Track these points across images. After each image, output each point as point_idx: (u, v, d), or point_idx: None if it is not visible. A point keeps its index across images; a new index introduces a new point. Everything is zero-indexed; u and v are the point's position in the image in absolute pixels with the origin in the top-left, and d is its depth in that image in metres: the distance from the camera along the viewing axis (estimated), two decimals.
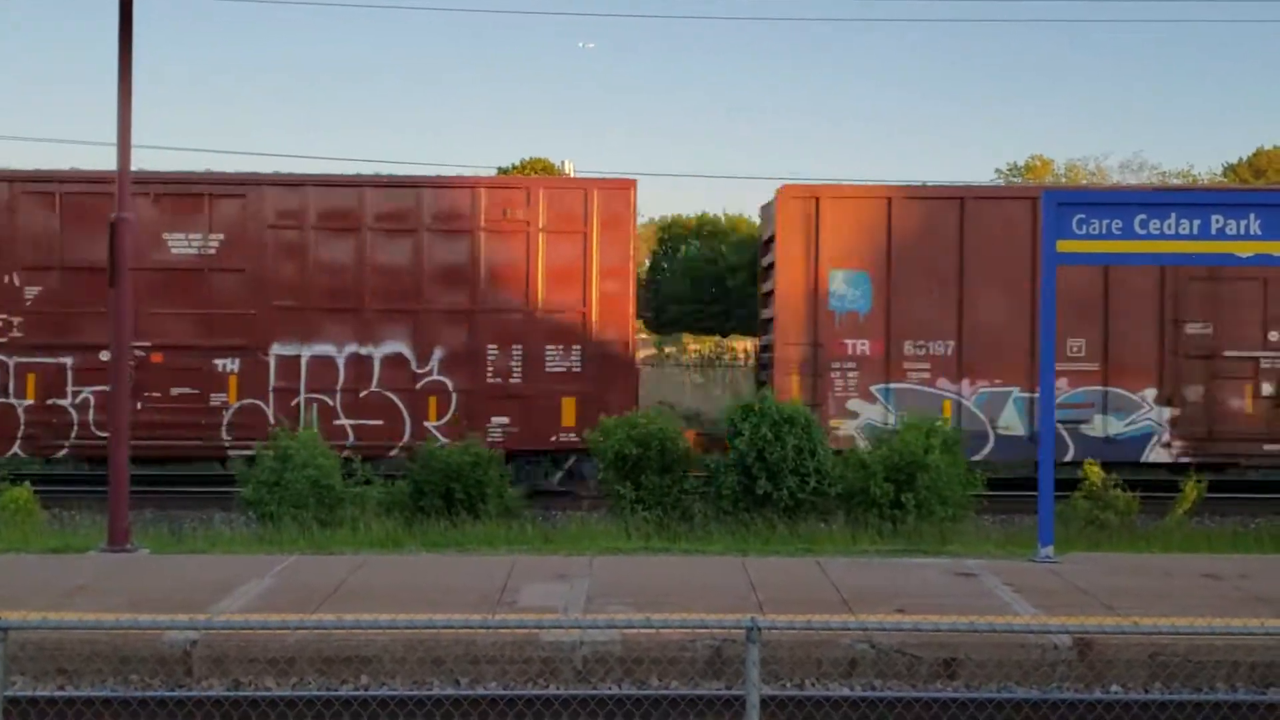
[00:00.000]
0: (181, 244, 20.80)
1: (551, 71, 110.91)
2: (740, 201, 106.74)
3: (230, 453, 20.50)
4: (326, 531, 15.63)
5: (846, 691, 9.66)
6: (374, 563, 13.10)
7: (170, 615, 10.21)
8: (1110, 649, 9.93)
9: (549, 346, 21.09)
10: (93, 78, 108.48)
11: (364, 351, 20.88)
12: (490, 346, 20.96)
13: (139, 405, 19.82)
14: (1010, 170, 70.26)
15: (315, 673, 9.78)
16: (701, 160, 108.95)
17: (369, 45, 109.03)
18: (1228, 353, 21.11)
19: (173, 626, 9.45)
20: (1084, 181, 58.67)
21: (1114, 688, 9.83)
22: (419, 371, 20.90)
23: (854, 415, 20.89)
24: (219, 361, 20.75)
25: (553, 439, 20.99)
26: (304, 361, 20.88)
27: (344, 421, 20.70)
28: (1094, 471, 17.74)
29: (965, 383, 21.05)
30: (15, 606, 10.41)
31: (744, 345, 38.47)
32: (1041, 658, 9.91)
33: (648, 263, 77.52)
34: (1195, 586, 12.19)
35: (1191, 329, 21.13)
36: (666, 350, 47.31)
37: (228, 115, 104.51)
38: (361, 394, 20.86)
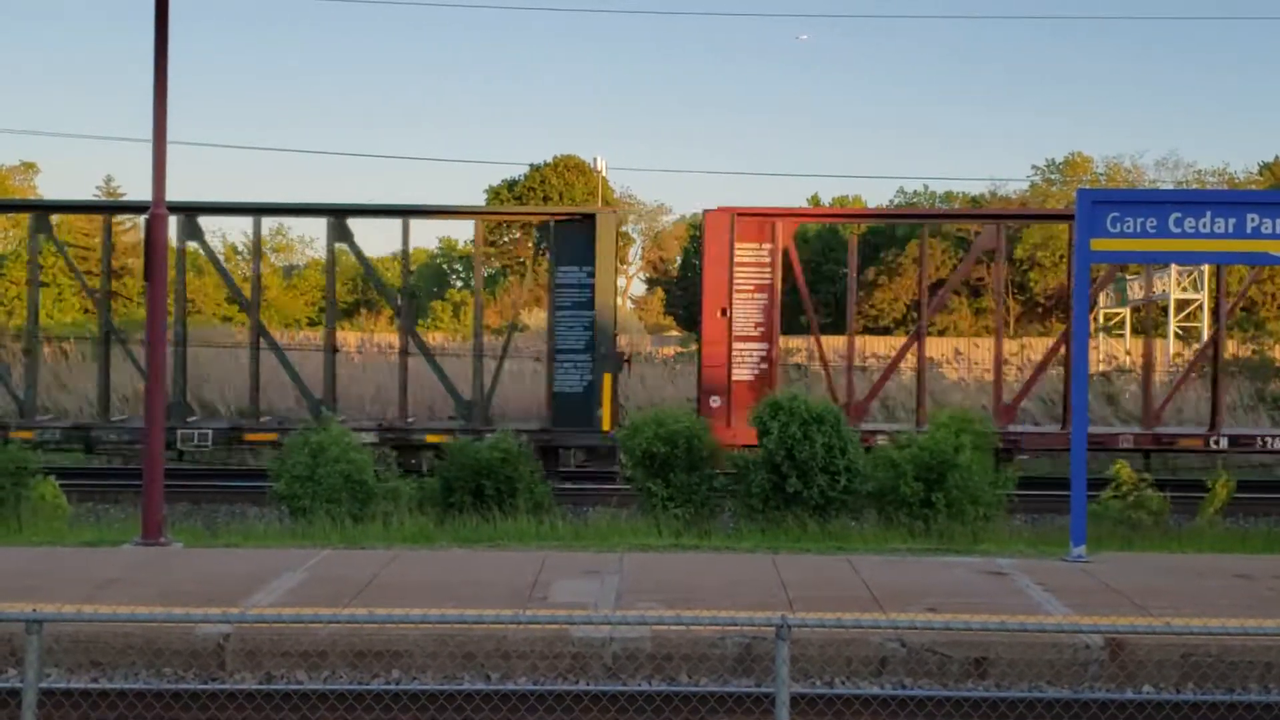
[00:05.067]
0: None
1: (586, 69, 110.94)
2: (774, 199, 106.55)
3: None
4: (359, 526, 15.70)
5: (876, 690, 9.65)
6: (406, 557, 13.15)
7: (203, 609, 10.26)
8: (1142, 649, 9.88)
9: None
10: (116, 74, 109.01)
11: None
12: None
13: None
14: (1048, 167, 70.01)
15: (347, 666, 9.83)
16: (732, 158, 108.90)
17: (400, 44, 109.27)
18: None
19: (206, 620, 9.53)
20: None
21: (1146, 688, 9.78)
22: None
23: None
24: None
25: None
26: None
27: None
28: (1125, 471, 17.62)
29: None
30: (50, 599, 10.50)
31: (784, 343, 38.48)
32: (1073, 657, 9.87)
33: (679, 260, 77.59)
34: (1228, 587, 12.13)
35: None
36: (695, 347, 47.29)
37: (256, 112, 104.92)
38: None
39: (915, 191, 73.59)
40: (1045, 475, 22.99)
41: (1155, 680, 9.85)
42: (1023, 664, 9.84)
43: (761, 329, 21.74)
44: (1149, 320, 26.52)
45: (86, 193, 62.76)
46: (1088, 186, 58.77)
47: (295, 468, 16.84)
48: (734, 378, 21.56)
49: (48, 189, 73.59)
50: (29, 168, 74.93)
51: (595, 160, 67.82)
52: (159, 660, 9.82)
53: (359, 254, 22.72)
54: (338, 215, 22.28)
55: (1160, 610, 10.82)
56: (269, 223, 70.69)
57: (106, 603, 10.57)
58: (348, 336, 39.22)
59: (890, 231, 61.80)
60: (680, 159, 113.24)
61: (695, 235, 70.41)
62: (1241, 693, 9.69)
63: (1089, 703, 9.35)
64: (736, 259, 21.61)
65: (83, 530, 15.83)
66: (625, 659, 9.83)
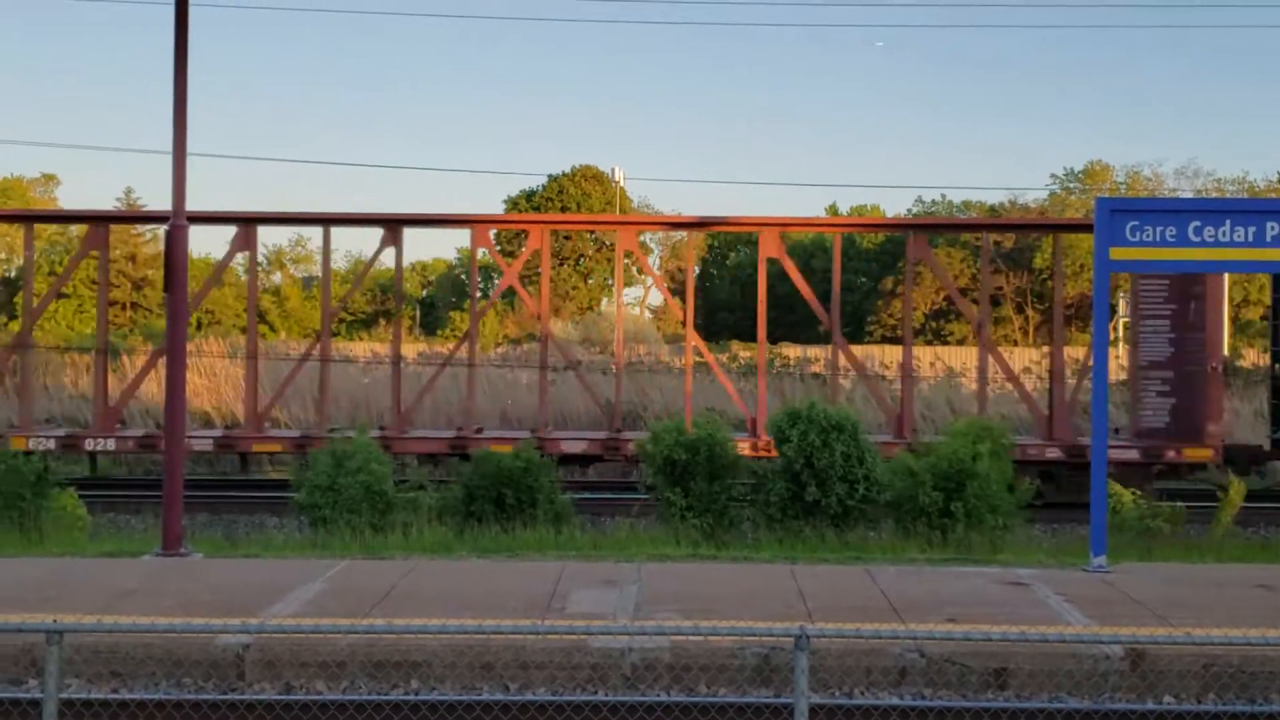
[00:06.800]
0: None
1: (604, 79, 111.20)
2: (789, 208, 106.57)
3: None
4: (378, 536, 15.73)
5: (896, 700, 9.63)
6: (425, 568, 13.17)
7: (223, 619, 10.30)
8: (1163, 659, 9.84)
9: None
10: (137, 85, 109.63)
11: None
12: None
13: None
14: (1067, 176, 69.87)
15: (366, 677, 9.84)
16: (751, 166, 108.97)
17: (417, 54, 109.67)
18: None
19: (225, 630, 9.56)
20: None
21: (1166, 699, 9.75)
22: None
23: None
24: None
25: None
26: None
27: None
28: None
29: None
30: (70, 610, 10.53)
31: (795, 352, 38.44)
32: (1093, 668, 9.84)
33: (697, 270, 77.64)
34: (1249, 597, 12.08)
35: None
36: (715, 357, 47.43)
37: (271, 124, 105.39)
38: None
39: (933, 201, 73.51)
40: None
41: (1176, 691, 9.81)
42: (1043, 674, 9.81)
43: None
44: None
45: (106, 205, 63.00)
46: (1107, 195, 58.63)
47: (316, 478, 16.88)
48: None
49: (68, 201, 73.95)
50: (49, 180, 75.33)
51: (613, 170, 67.96)
52: (179, 670, 9.85)
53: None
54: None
55: (1181, 620, 10.77)
56: (287, 233, 70.96)
57: (126, 613, 10.61)
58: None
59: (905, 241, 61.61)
60: (698, 169, 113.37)
61: (713, 245, 70.45)
62: (1263, 703, 9.65)
63: (1109, 713, 9.32)
64: None
65: (103, 541, 15.88)
66: (644, 669, 9.82)
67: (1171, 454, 21.36)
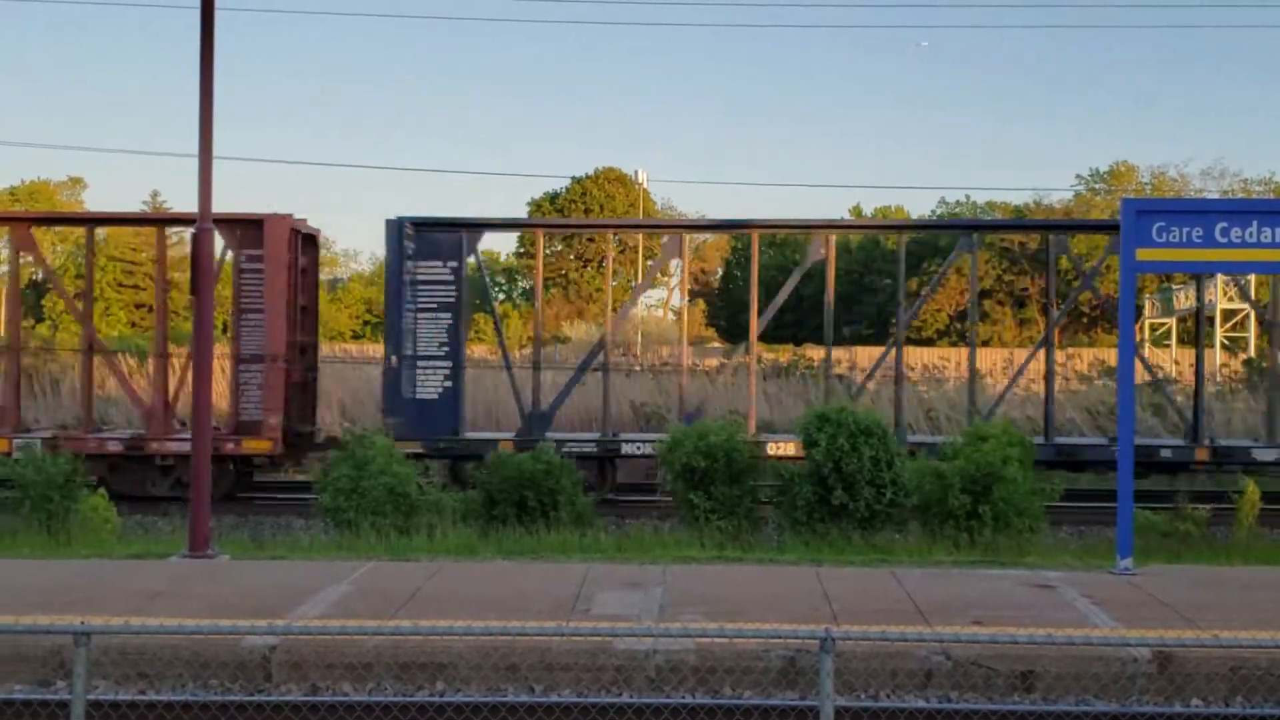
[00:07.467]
0: None
1: (629, 81, 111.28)
2: (814, 211, 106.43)
3: None
4: (403, 539, 15.75)
5: (922, 703, 9.60)
6: (449, 569, 13.19)
7: (250, 620, 10.33)
8: (1190, 662, 9.79)
9: None
10: (163, 89, 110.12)
11: None
12: None
13: None
14: (1093, 176, 69.59)
15: (392, 678, 9.86)
16: (776, 168, 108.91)
17: (440, 56, 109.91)
18: None
19: (252, 632, 9.59)
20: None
21: (1194, 701, 9.69)
22: None
23: None
24: None
25: None
26: None
27: None
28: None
29: None
30: (98, 611, 10.58)
31: (819, 354, 38.37)
32: (1121, 670, 9.79)
33: (720, 271, 77.61)
34: (1277, 599, 12.01)
35: None
36: (737, 359, 47.33)
37: (293, 126, 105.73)
38: None
39: (957, 202, 73.27)
40: (1092, 488, 22.84)
41: (1204, 693, 9.76)
42: (1070, 677, 9.77)
43: None
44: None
45: (133, 208, 63.27)
46: (1132, 196, 58.36)
47: (339, 480, 16.91)
48: None
49: (94, 204, 74.39)
50: (76, 183, 75.80)
51: (636, 172, 68.01)
52: (206, 672, 9.88)
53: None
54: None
55: (1209, 623, 10.72)
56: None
57: (154, 615, 10.66)
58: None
59: (934, 242, 61.50)
60: (722, 171, 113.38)
61: (737, 247, 70.33)
62: None
63: (1137, 716, 9.27)
64: None
65: (130, 543, 15.95)
66: (669, 671, 9.82)
67: (230, 446, 21.67)
